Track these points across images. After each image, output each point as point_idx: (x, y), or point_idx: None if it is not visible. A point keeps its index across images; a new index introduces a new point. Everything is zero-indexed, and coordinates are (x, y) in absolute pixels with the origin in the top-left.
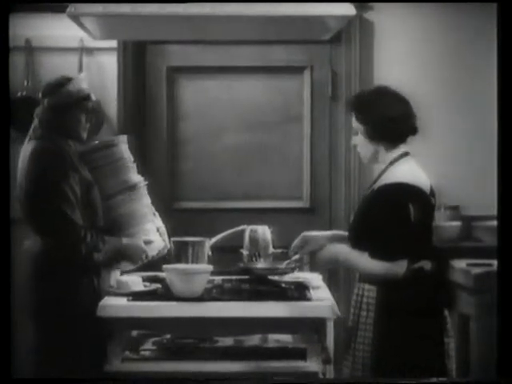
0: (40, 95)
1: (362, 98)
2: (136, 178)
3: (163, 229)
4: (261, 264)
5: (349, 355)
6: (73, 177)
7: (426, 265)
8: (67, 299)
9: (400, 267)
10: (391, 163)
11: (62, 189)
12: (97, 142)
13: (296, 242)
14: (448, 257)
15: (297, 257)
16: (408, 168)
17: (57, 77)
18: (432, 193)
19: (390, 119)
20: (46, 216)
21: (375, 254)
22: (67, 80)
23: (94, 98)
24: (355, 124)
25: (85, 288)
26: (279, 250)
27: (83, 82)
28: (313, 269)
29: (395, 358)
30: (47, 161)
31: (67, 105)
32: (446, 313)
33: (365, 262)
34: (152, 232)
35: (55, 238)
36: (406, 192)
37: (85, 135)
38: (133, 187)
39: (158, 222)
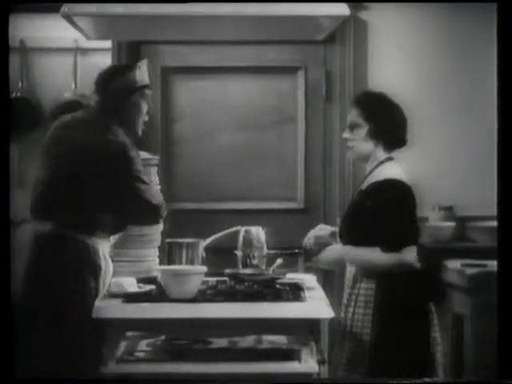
0: (95, 85)
1: (372, 97)
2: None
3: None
4: (248, 270)
5: (343, 352)
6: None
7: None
8: (71, 296)
9: (411, 255)
10: (377, 166)
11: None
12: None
13: (311, 243)
14: (442, 257)
15: (280, 261)
16: (395, 169)
17: (113, 65)
18: None
19: (397, 123)
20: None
21: (389, 246)
22: (128, 67)
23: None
24: (357, 119)
25: (89, 287)
26: (273, 251)
27: (146, 71)
28: (307, 270)
29: (394, 351)
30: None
31: (130, 91)
32: (433, 308)
33: (376, 255)
34: (152, 256)
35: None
36: (402, 186)
37: (140, 130)
38: None
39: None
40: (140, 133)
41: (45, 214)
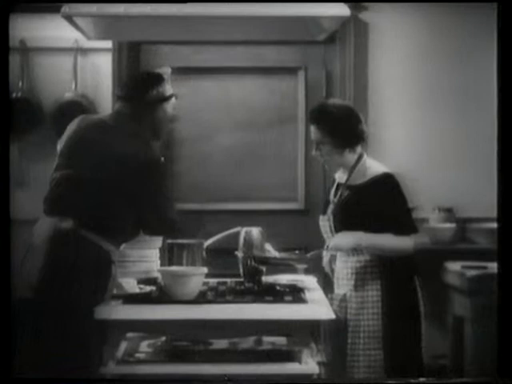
0: (124, 92)
1: (326, 112)
2: None
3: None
4: (275, 254)
5: (359, 355)
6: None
7: None
8: (77, 296)
9: (412, 240)
10: (356, 163)
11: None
12: None
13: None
14: (442, 259)
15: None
16: (378, 163)
17: (146, 73)
18: None
19: (355, 124)
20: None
21: (408, 229)
22: (161, 77)
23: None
24: (319, 136)
25: (97, 290)
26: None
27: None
28: (311, 272)
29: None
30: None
31: (163, 100)
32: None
33: (390, 240)
34: (153, 257)
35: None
36: (398, 178)
37: (165, 135)
38: None
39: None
40: (165, 137)
41: (65, 211)
